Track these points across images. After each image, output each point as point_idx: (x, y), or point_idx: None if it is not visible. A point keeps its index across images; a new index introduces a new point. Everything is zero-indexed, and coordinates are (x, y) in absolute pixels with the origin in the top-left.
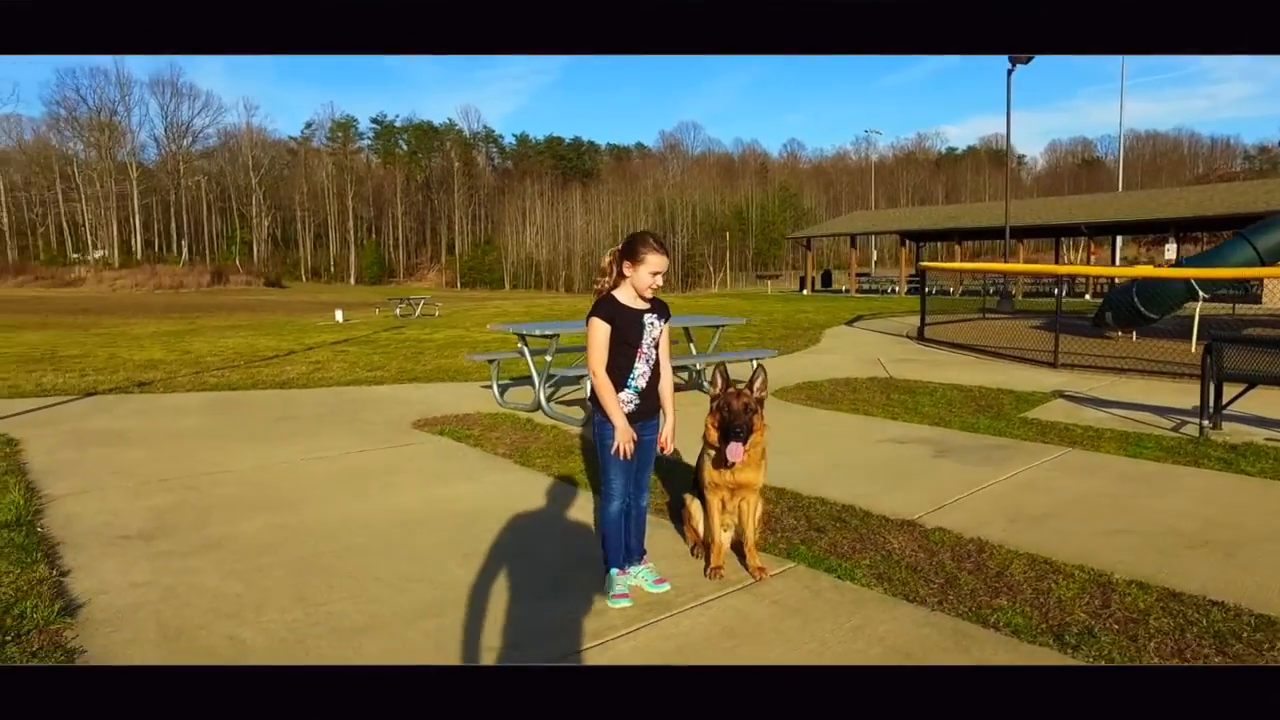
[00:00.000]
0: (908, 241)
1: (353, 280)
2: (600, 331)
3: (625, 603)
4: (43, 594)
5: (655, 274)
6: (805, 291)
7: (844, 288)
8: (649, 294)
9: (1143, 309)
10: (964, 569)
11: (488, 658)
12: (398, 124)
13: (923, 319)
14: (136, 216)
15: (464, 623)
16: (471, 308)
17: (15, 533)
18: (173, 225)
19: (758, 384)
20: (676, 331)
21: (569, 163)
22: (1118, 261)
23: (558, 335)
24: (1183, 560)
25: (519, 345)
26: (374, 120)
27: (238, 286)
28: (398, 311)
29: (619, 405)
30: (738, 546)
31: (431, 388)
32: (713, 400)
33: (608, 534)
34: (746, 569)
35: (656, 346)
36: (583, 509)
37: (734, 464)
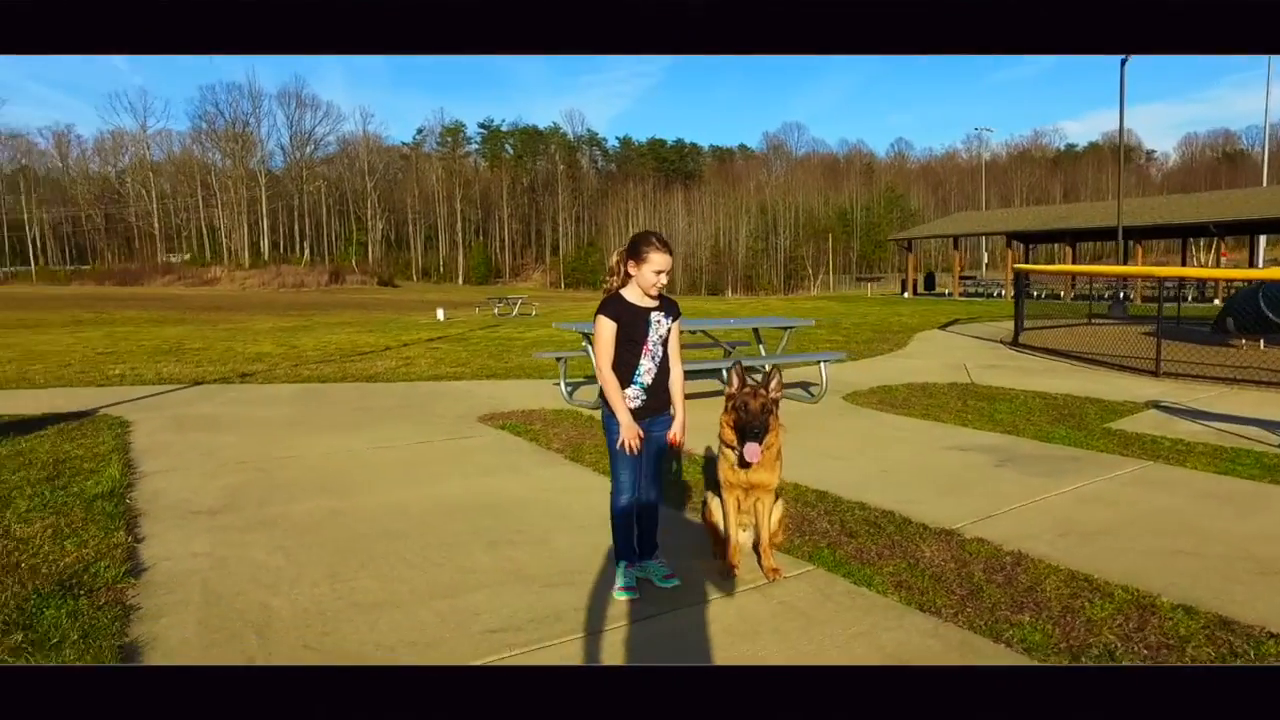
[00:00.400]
0: (1014, 243)
1: (461, 280)
2: (605, 329)
3: (629, 595)
4: (116, 557)
5: (659, 272)
6: (906, 295)
7: (946, 291)
8: (654, 291)
9: (1270, 314)
10: (992, 581)
11: (484, 638)
12: (504, 128)
13: (1017, 324)
14: (264, 220)
15: (473, 605)
16: (569, 307)
17: (107, 503)
18: (296, 228)
19: (773, 384)
20: (745, 332)
21: (671, 165)
22: (1260, 264)
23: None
24: (1249, 587)
25: (583, 343)
26: (481, 125)
27: (353, 286)
28: (496, 310)
29: (624, 401)
30: (758, 547)
31: (508, 384)
32: (728, 399)
33: (616, 527)
34: (762, 569)
35: (664, 344)
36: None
37: (751, 464)
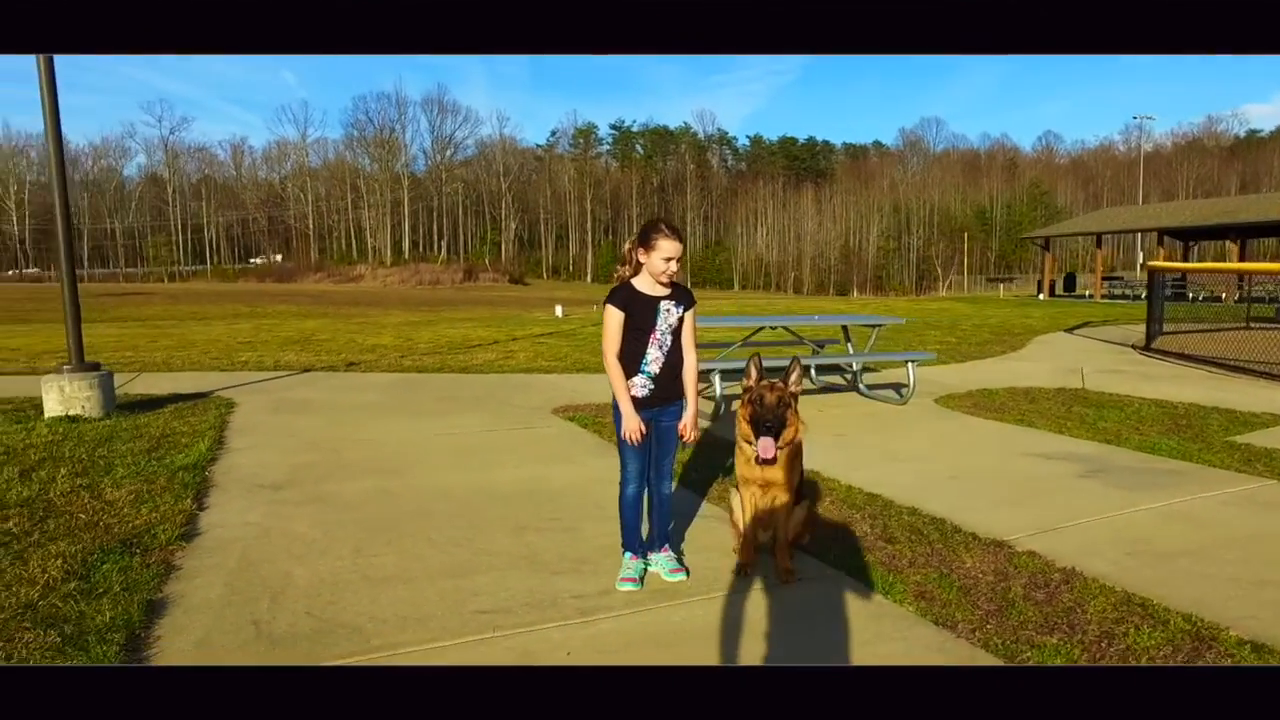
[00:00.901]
0: (1165, 240)
1: (589, 278)
2: (612, 318)
3: (630, 586)
4: (177, 522)
5: (668, 259)
6: (1041, 296)
7: (1088, 293)
8: (665, 279)
9: None
10: (1029, 599)
11: (473, 618)
12: (635, 129)
13: (1149, 327)
14: (406, 221)
15: (476, 586)
16: (714, 306)
17: (188, 474)
18: (434, 228)
19: (793, 378)
20: (833, 329)
21: (802, 163)
22: None
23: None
24: None
25: None
26: (613, 126)
27: (486, 283)
28: None
29: (627, 390)
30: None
31: (597, 378)
32: (745, 392)
33: (622, 517)
34: (775, 571)
35: (674, 333)
36: None
37: (765, 460)
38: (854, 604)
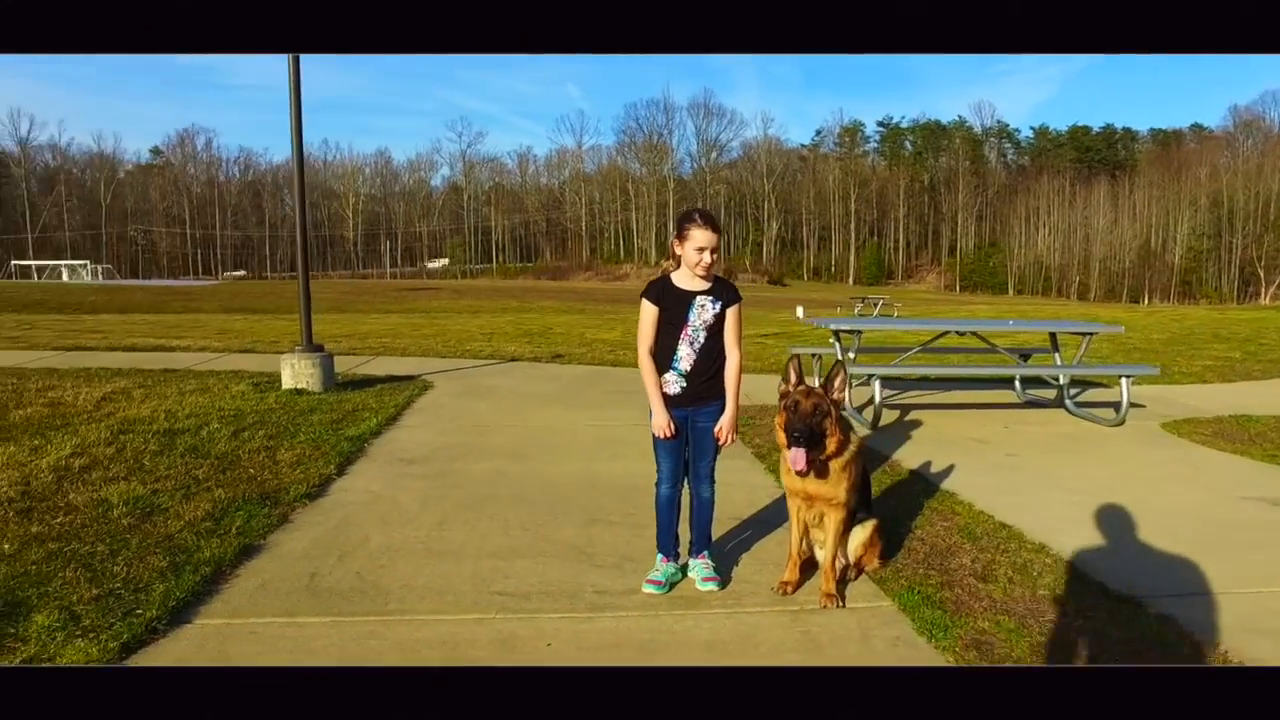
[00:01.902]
0: None
1: (850, 280)
2: (645, 312)
3: (652, 589)
4: (312, 483)
5: (701, 249)
6: None
7: None
8: (702, 271)
9: None
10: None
11: (490, 598)
12: (904, 125)
13: None
14: (671, 222)
15: (511, 569)
16: (946, 309)
17: (350, 444)
18: None
19: (836, 383)
20: (1040, 337)
21: (1095, 154)
22: None
23: (859, 332)
24: None
25: (830, 340)
26: (880, 123)
27: (743, 284)
28: (857, 310)
29: (657, 387)
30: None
31: (770, 378)
32: (781, 398)
33: (657, 518)
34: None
35: (709, 330)
36: (750, 504)
37: (799, 472)
38: (884, 643)
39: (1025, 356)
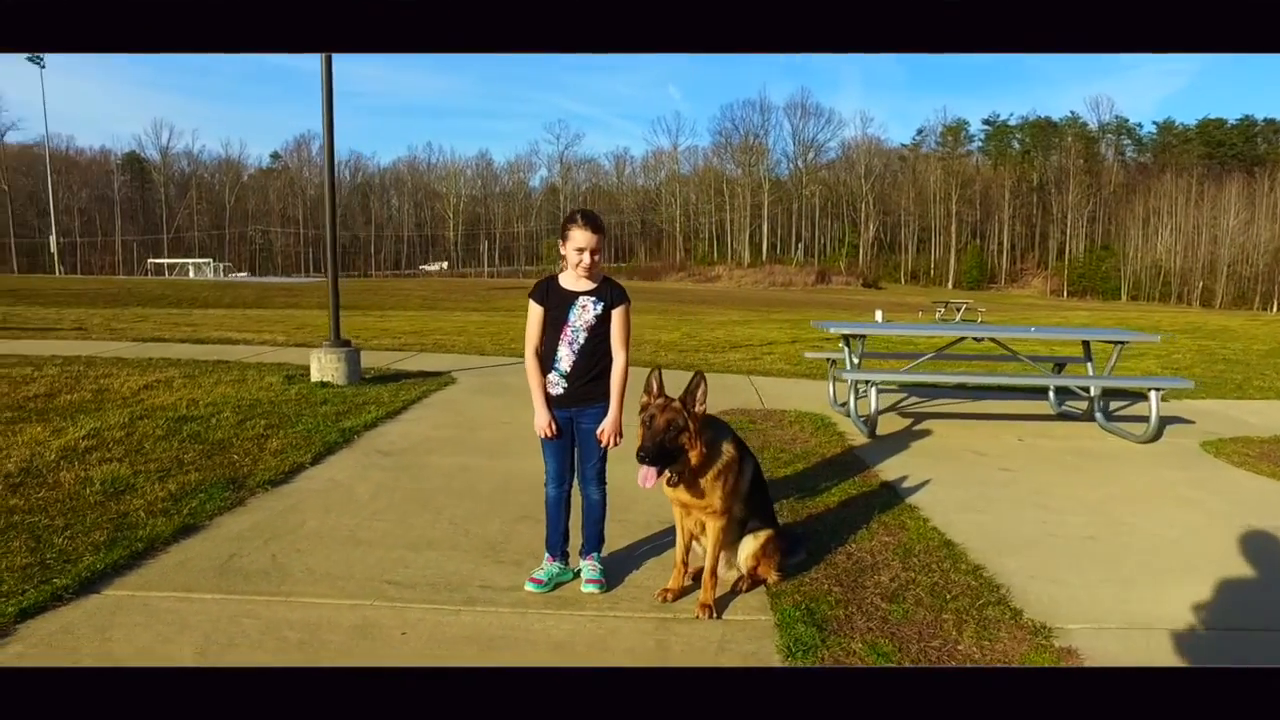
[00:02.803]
0: None
1: (950, 284)
2: (531, 313)
3: (532, 587)
4: (282, 471)
5: (580, 250)
6: None
7: None
8: (584, 271)
9: None
10: None
11: (373, 585)
12: (1011, 122)
13: None
14: (765, 224)
15: (417, 559)
16: (1041, 316)
17: (339, 434)
18: (792, 230)
19: (698, 394)
20: (1073, 346)
21: (1229, 149)
22: None
23: (864, 337)
24: None
25: (839, 345)
26: (986, 121)
27: (837, 286)
28: (938, 315)
29: (540, 388)
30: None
31: (804, 383)
32: (641, 410)
33: (546, 516)
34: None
35: (591, 330)
36: (664, 508)
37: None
38: (740, 657)
39: (1060, 366)
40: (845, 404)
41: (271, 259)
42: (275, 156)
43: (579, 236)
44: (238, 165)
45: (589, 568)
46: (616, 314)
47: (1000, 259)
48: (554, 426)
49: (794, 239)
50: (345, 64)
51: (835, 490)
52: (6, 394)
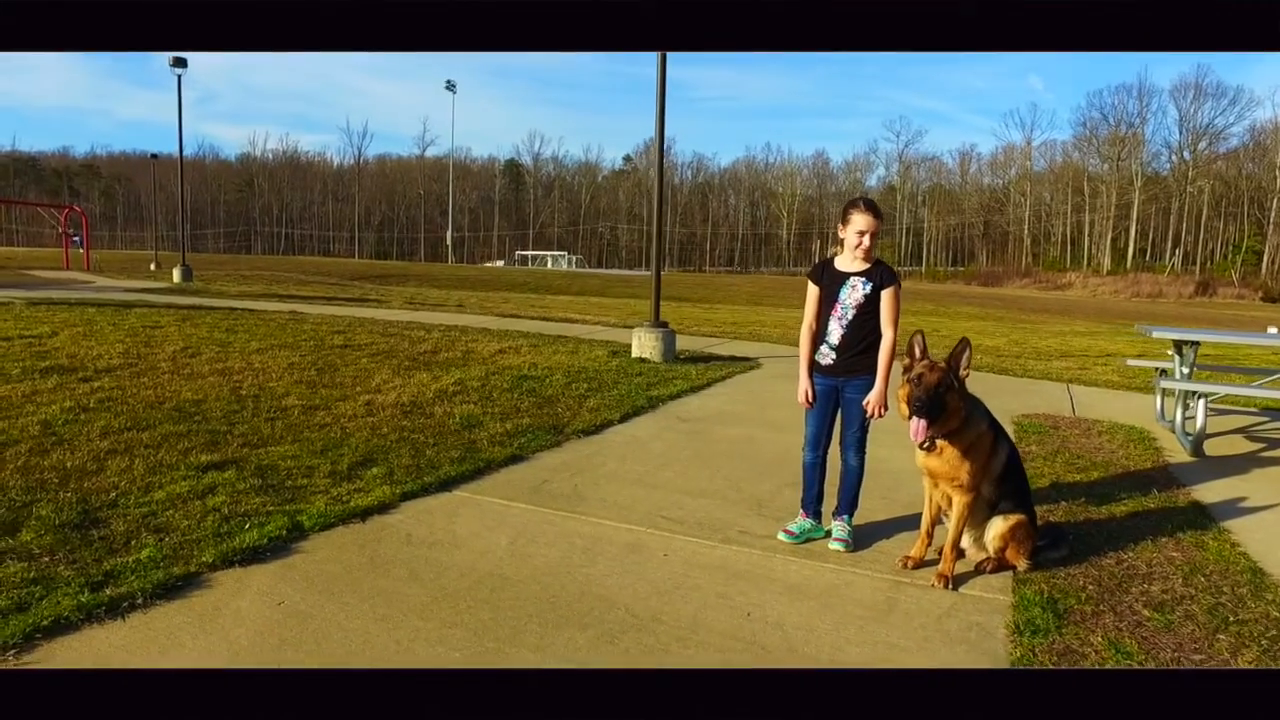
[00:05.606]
0: None
1: None
2: (808, 292)
3: (784, 538)
4: (595, 423)
5: (860, 233)
6: None
7: None
8: (860, 253)
9: None
10: None
11: (656, 519)
12: None
13: None
14: (1134, 225)
15: (686, 503)
16: None
17: (648, 401)
18: (1169, 233)
19: (962, 360)
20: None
21: None
22: None
23: (1198, 344)
24: None
25: (1169, 352)
26: None
27: (1224, 300)
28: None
29: (807, 359)
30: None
31: (1132, 396)
32: (904, 371)
33: (802, 479)
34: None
35: (859, 308)
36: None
37: (920, 445)
38: (957, 626)
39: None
40: (1174, 420)
41: (616, 253)
42: (627, 159)
43: (860, 220)
44: (594, 168)
45: (839, 527)
46: (886, 294)
47: None
48: (811, 395)
49: (1169, 243)
50: (684, 69)
51: (1128, 500)
52: (407, 349)
